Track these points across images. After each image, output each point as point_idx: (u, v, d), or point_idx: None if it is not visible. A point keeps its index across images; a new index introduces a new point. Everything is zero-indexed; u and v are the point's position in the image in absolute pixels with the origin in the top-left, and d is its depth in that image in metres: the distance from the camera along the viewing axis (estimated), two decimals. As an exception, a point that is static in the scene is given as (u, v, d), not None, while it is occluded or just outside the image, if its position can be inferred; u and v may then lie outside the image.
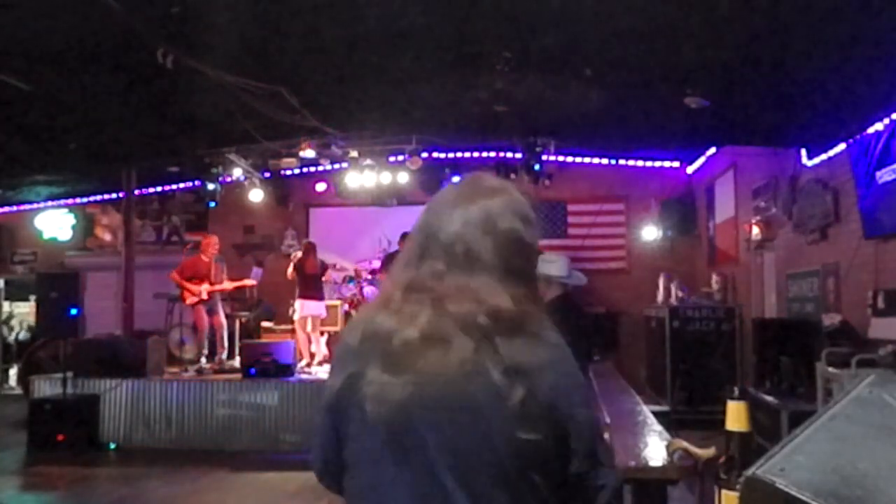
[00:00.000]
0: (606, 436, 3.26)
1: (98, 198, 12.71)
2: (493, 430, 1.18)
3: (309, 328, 9.61)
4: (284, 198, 11.99)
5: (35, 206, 12.89)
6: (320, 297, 9.73)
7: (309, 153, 9.24)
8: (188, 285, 9.15)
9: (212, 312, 9.31)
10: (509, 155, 10.70)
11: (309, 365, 9.38)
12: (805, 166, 7.39)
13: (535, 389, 1.20)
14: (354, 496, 1.30)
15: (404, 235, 10.24)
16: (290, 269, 9.61)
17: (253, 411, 8.03)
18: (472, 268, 1.29)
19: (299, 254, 9.77)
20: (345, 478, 1.32)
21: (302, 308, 9.54)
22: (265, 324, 10.66)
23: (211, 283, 9.25)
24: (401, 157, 10.08)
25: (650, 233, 11.46)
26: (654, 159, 11.57)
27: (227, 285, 9.51)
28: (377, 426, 1.22)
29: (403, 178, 10.54)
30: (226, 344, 9.47)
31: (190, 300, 9.23)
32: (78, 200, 12.94)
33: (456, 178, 8.55)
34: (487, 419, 1.18)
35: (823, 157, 6.98)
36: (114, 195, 12.03)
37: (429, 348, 1.21)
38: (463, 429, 1.19)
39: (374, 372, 1.24)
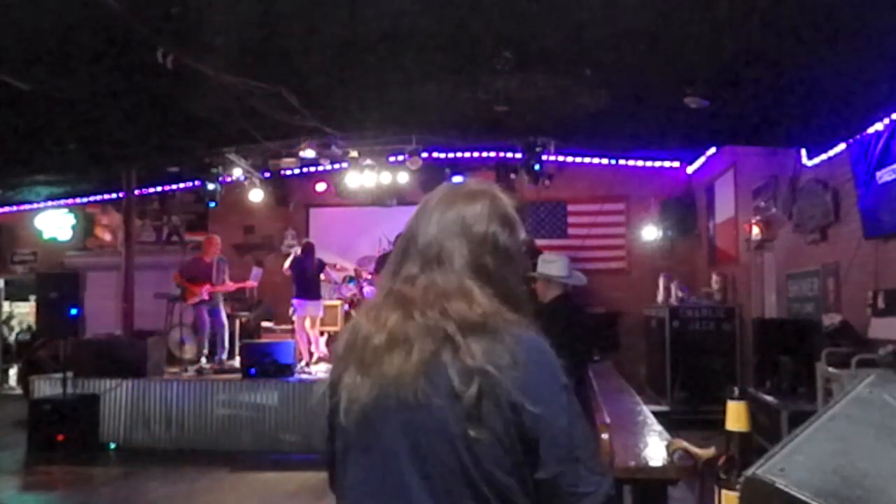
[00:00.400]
0: (605, 436, 3.25)
1: (98, 198, 12.72)
2: (449, 430, 1.19)
3: (308, 327, 9.62)
4: (284, 198, 11.99)
5: (35, 206, 12.89)
6: (318, 297, 9.75)
7: (309, 153, 9.25)
8: (190, 285, 9.16)
9: (214, 313, 9.32)
10: (509, 155, 10.71)
11: (308, 364, 9.39)
12: (805, 166, 7.39)
13: (494, 389, 1.19)
14: (337, 496, 1.35)
15: (399, 237, 10.25)
16: (287, 265, 9.62)
17: (253, 411, 8.03)
18: (443, 270, 1.31)
19: (298, 250, 9.77)
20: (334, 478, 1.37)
21: (300, 308, 9.55)
22: (265, 324, 10.67)
23: (212, 284, 9.26)
24: (401, 157, 10.08)
25: (650, 233, 11.46)
26: (654, 159, 11.57)
27: (229, 286, 9.52)
28: (348, 427, 1.27)
29: (403, 178, 10.55)
30: (226, 344, 9.47)
31: (192, 300, 9.24)
32: (78, 200, 12.94)
33: (458, 178, 8.53)
34: (443, 419, 1.20)
35: (823, 157, 6.98)
36: (114, 195, 12.03)
37: (393, 351, 1.25)
38: (422, 429, 1.21)
39: (349, 376, 1.29)
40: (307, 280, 9.60)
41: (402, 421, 1.23)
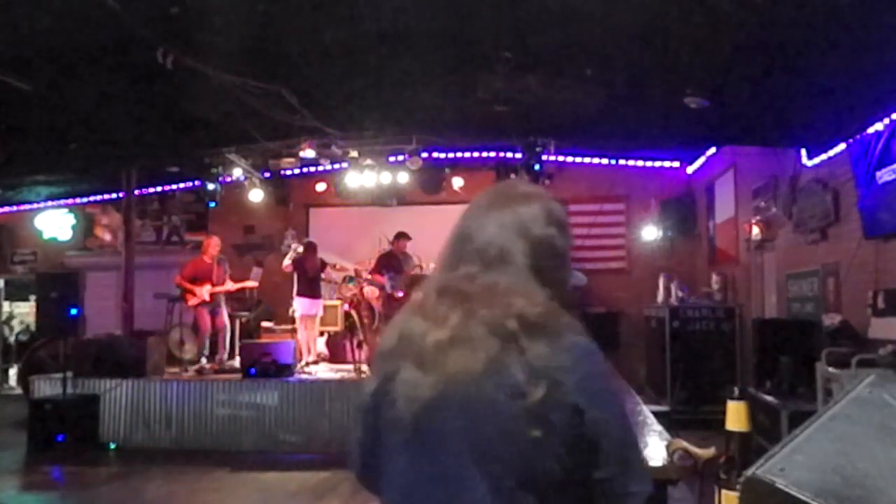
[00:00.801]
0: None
1: (98, 198, 12.71)
2: (513, 428, 1.20)
3: (307, 325, 9.66)
4: (284, 198, 11.99)
5: (35, 206, 12.89)
6: (319, 296, 9.77)
7: (309, 153, 9.24)
8: (192, 287, 9.16)
9: (215, 314, 9.31)
10: (509, 155, 10.70)
11: (308, 364, 9.40)
12: (805, 166, 7.39)
13: (557, 390, 1.21)
14: (387, 493, 1.33)
15: (399, 235, 10.28)
16: (288, 262, 9.62)
17: (253, 411, 8.03)
18: (504, 270, 1.33)
19: (300, 249, 9.77)
20: (379, 475, 1.35)
21: (302, 307, 9.56)
22: (265, 324, 10.67)
23: (213, 285, 9.25)
24: (401, 157, 10.08)
25: (650, 233, 11.45)
26: (654, 159, 11.57)
27: (230, 286, 9.51)
28: (406, 424, 1.27)
29: (403, 178, 10.54)
30: (227, 345, 9.47)
31: (192, 301, 9.23)
32: (78, 200, 12.93)
33: (458, 181, 8.45)
34: (507, 417, 1.21)
35: (823, 157, 6.98)
36: (114, 195, 12.02)
37: (456, 348, 1.25)
38: (486, 427, 1.22)
39: (407, 371, 1.29)
40: (309, 279, 9.62)
41: (464, 418, 1.23)
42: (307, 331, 9.65)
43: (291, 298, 10.00)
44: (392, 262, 10.06)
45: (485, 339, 1.24)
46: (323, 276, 9.90)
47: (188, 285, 9.17)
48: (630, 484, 1.27)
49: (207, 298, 9.17)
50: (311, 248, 9.83)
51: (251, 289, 10.55)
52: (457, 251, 1.39)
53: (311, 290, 9.64)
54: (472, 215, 1.41)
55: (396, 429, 1.29)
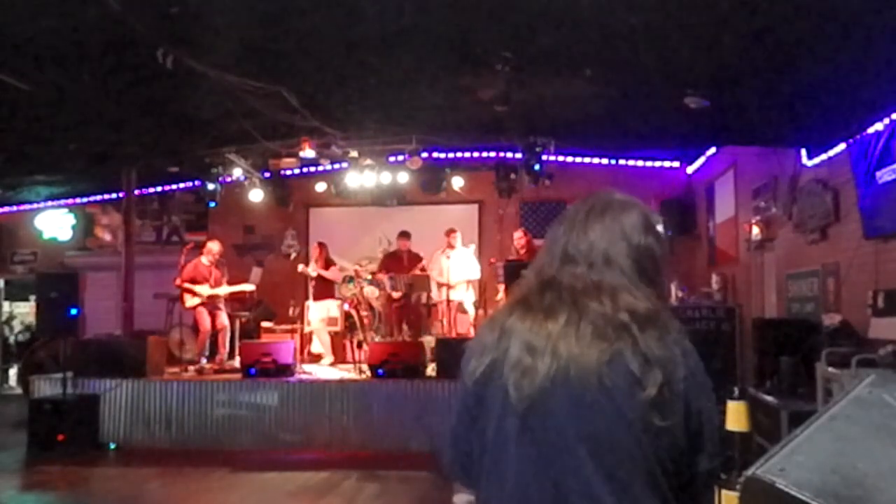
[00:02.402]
0: None
1: (98, 198, 12.71)
2: (630, 416, 1.24)
3: (315, 327, 9.72)
4: (284, 198, 11.98)
5: (35, 206, 12.88)
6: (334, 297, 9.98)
7: (309, 153, 9.24)
8: (191, 288, 9.16)
9: (214, 314, 9.31)
10: (509, 155, 10.70)
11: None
12: (805, 166, 7.39)
13: (669, 380, 1.26)
14: (489, 479, 1.34)
15: (402, 234, 10.28)
16: (313, 269, 9.65)
17: (253, 411, 8.03)
18: (611, 270, 1.39)
19: (316, 253, 9.81)
20: (478, 463, 1.36)
21: (319, 309, 9.65)
22: (265, 324, 10.67)
23: (210, 287, 9.26)
24: (401, 157, 10.07)
25: (650, 233, 11.44)
26: (654, 159, 11.56)
27: (227, 290, 9.50)
28: (517, 408, 1.29)
29: (403, 178, 10.54)
30: (227, 345, 9.47)
31: (189, 303, 9.22)
32: (78, 200, 12.93)
33: (458, 181, 8.41)
34: (625, 406, 1.25)
35: (823, 157, 6.98)
36: (114, 195, 12.02)
37: (570, 338, 1.30)
38: (601, 414, 1.25)
39: (516, 357, 1.32)
40: (327, 281, 9.74)
41: (579, 405, 1.26)
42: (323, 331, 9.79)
43: (292, 298, 9.99)
44: (394, 262, 10.07)
45: (598, 330, 1.29)
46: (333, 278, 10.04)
47: (188, 287, 9.17)
48: (718, 473, 1.37)
49: (204, 298, 9.17)
50: (325, 249, 9.97)
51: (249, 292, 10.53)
52: (557, 255, 1.44)
53: (327, 291, 9.79)
54: (569, 224, 1.47)
55: (507, 414, 1.30)
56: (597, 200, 1.51)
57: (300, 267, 10.04)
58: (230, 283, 9.63)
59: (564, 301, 1.34)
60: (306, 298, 10.42)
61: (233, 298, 10.10)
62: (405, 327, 9.81)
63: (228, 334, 9.52)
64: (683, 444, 1.28)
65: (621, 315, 1.30)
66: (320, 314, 9.70)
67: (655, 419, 1.24)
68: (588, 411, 1.25)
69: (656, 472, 1.24)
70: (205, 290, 9.18)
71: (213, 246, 9.53)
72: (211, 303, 9.27)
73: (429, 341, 9.03)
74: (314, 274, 9.85)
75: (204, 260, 9.37)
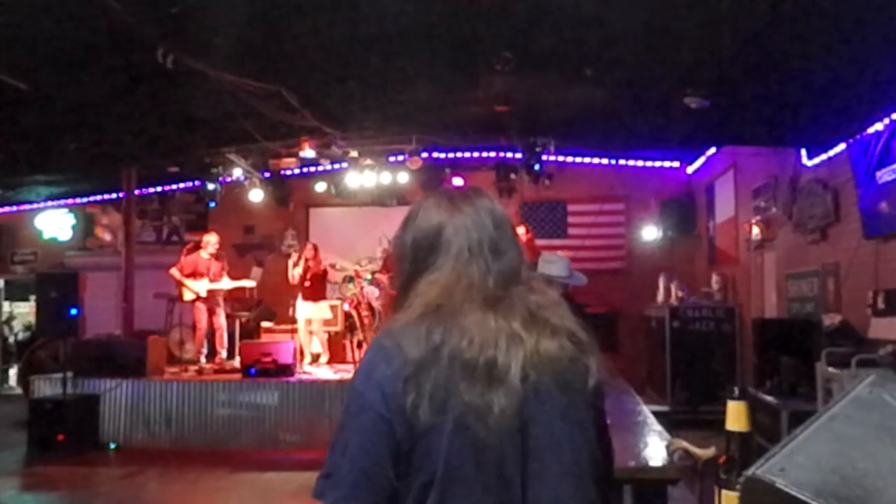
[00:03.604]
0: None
1: (98, 198, 12.71)
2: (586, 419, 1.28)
3: (314, 328, 9.68)
4: (284, 198, 11.99)
5: (35, 206, 12.88)
6: (325, 298, 9.90)
7: (309, 153, 9.24)
8: (187, 282, 9.15)
9: (211, 312, 9.31)
10: (509, 155, 10.71)
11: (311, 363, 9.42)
12: (805, 166, 7.39)
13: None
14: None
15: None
16: (300, 272, 9.55)
17: (253, 411, 8.03)
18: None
19: (309, 255, 9.77)
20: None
21: (309, 310, 9.61)
22: (265, 324, 10.67)
23: (210, 282, 9.24)
24: (401, 157, 10.08)
25: (650, 233, 11.45)
26: (654, 159, 11.57)
27: (226, 284, 9.49)
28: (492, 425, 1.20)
29: (403, 178, 10.55)
30: (225, 344, 9.47)
31: (187, 297, 9.22)
32: (78, 200, 12.93)
33: (458, 181, 8.42)
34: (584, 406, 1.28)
35: (823, 157, 6.98)
36: (114, 195, 12.02)
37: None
38: (574, 419, 1.26)
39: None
40: (319, 282, 9.73)
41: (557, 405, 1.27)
42: (316, 332, 9.72)
43: (292, 298, 9.98)
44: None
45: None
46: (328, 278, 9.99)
47: (183, 280, 9.13)
48: None
49: (204, 294, 9.16)
50: (317, 250, 9.92)
51: (249, 289, 10.53)
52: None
53: (320, 292, 9.74)
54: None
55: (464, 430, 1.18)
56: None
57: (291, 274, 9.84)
58: (231, 278, 9.61)
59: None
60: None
61: (233, 298, 10.10)
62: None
63: (226, 334, 9.50)
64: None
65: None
66: (306, 314, 9.66)
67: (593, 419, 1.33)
68: (568, 422, 1.28)
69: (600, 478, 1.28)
70: (204, 284, 9.16)
71: (211, 238, 9.45)
72: (210, 300, 9.26)
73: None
74: (297, 278, 9.70)
75: (203, 254, 9.36)
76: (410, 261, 1.39)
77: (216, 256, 9.41)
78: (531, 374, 1.21)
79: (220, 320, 9.41)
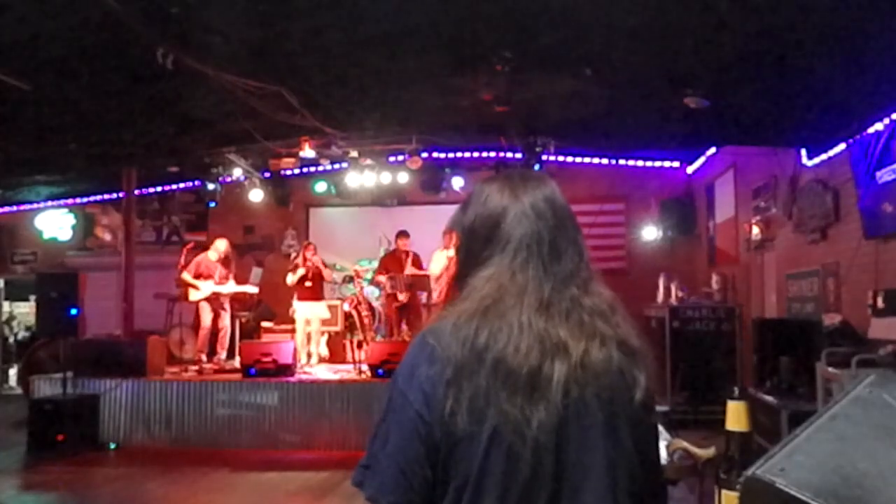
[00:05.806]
0: None
1: (98, 198, 12.71)
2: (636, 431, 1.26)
3: (313, 328, 9.68)
4: (284, 198, 11.99)
5: (35, 206, 12.89)
6: (323, 297, 9.87)
7: (309, 153, 9.24)
8: (194, 282, 9.16)
9: (216, 313, 9.31)
10: (509, 155, 10.70)
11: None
12: (805, 166, 7.39)
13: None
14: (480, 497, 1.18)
15: (401, 233, 10.27)
16: (302, 274, 9.54)
17: (253, 411, 8.03)
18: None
19: (308, 255, 9.75)
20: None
21: (307, 310, 9.60)
22: (265, 324, 10.67)
23: (216, 283, 9.27)
24: (401, 157, 10.08)
25: (650, 233, 11.45)
26: (654, 159, 11.56)
27: (230, 288, 9.49)
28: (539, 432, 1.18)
29: (403, 178, 10.54)
30: (226, 344, 9.47)
31: (193, 297, 9.23)
32: (78, 200, 12.94)
33: (458, 181, 8.40)
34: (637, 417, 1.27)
35: (823, 157, 6.98)
36: (114, 195, 12.03)
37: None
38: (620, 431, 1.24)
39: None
40: (317, 282, 9.73)
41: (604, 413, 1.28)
42: (315, 332, 9.72)
43: (292, 298, 9.97)
44: (393, 262, 10.06)
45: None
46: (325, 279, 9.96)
47: (191, 281, 9.16)
48: None
49: (209, 294, 9.16)
50: (314, 250, 9.90)
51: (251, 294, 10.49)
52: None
53: (318, 292, 9.73)
54: None
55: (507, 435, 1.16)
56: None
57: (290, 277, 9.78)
58: (237, 282, 9.63)
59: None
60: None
61: (233, 298, 10.10)
62: (405, 327, 9.80)
63: (228, 336, 9.52)
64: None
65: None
66: (305, 314, 9.65)
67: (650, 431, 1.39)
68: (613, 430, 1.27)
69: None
70: (209, 285, 9.17)
71: (221, 244, 9.54)
72: (216, 301, 9.27)
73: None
74: (295, 280, 9.66)
75: (211, 255, 9.39)
76: (466, 251, 1.38)
77: (224, 263, 9.43)
78: (573, 388, 1.18)
79: (225, 322, 9.42)
